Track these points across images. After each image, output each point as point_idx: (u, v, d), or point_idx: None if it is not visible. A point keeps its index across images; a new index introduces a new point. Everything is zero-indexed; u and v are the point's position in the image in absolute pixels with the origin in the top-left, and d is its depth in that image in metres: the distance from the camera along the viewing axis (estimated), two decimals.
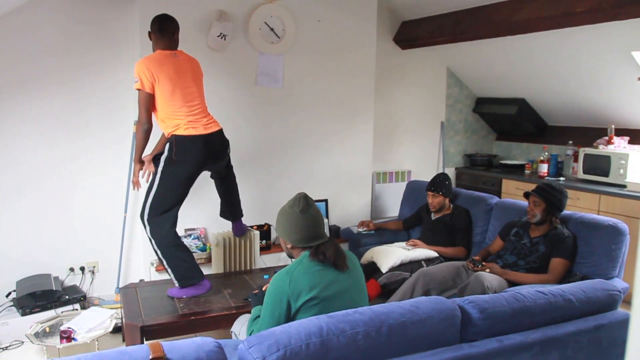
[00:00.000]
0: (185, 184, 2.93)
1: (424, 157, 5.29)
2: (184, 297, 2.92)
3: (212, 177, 3.30)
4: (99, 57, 3.69)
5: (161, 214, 2.88)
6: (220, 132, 3.05)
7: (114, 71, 3.74)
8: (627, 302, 2.20)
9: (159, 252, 2.93)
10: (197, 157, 2.91)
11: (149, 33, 3.03)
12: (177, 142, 2.86)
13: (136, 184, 3.07)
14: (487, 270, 2.95)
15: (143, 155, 3.01)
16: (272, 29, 3.96)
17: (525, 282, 2.87)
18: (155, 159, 2.97)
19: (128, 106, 3.80)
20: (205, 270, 3.30)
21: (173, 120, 2.89)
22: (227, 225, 3.52)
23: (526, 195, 3.11)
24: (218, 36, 3.68)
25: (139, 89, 2.87)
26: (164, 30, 2.96)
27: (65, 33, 3.58)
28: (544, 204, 2.97)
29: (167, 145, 2.90)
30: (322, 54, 4.23)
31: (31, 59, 3.50)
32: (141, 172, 3.03)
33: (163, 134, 3.04)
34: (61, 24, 3.56)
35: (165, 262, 2.95)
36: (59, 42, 3.57)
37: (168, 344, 1.40)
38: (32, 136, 3.56)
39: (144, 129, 2.92)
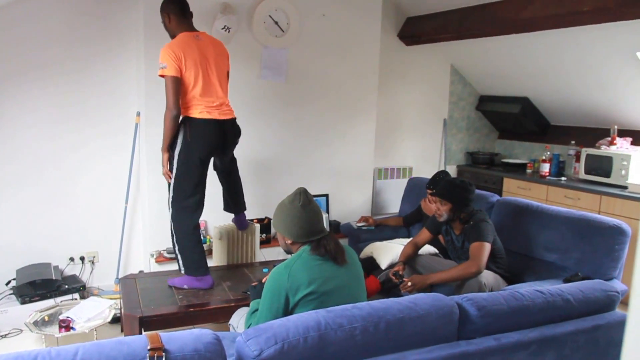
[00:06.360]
0: (200, 168, 2.92)
1: (426, 154, 5.28)
2: (185, 287, 2.93)
3: (215, 169, 3.29)
4: (102, 48, 3.69)
5: (184, 200, 2.90)
6: (234, 120, 3.05)
7: (117, 62, 3.74)
8: (625, 303, 2.20)
9: (174, 236, 2.95)
10: (209, 140, 2.89)
11: (166, 18, 2.89)
12: (190, 124, 2.85)
13: (167, 174, 2.97)
14: (410, 284, 2.79)
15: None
16: (276, 23, 3.95)
17: (451, 278, 2.78)
18: (171, 146, 2.94)
19: (130, 97, 3.80)
20: None
21: (189, 105, 2.86)
22: (227, 219, 3.53)
23: (432, 194, 3.07)
24: (222, 29, 3.67)
25: (162, 75, 2.78)
26: (187, 12, 2.91)
27: (69, 24, 3.57)
28: (449, 203, 2.91)
29: (181, 128, 2.87)
30: (326, 48, 4.21)
31: (35, 48, 3.50)
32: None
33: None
34: (65, 15, 3.55)
35: (176, 248, 2.96)
36: (63, 33, 3.56)
37: (166, 335, 1.40)
38: (35, 125, 3.56)
39: (173, 115, 2.81)
